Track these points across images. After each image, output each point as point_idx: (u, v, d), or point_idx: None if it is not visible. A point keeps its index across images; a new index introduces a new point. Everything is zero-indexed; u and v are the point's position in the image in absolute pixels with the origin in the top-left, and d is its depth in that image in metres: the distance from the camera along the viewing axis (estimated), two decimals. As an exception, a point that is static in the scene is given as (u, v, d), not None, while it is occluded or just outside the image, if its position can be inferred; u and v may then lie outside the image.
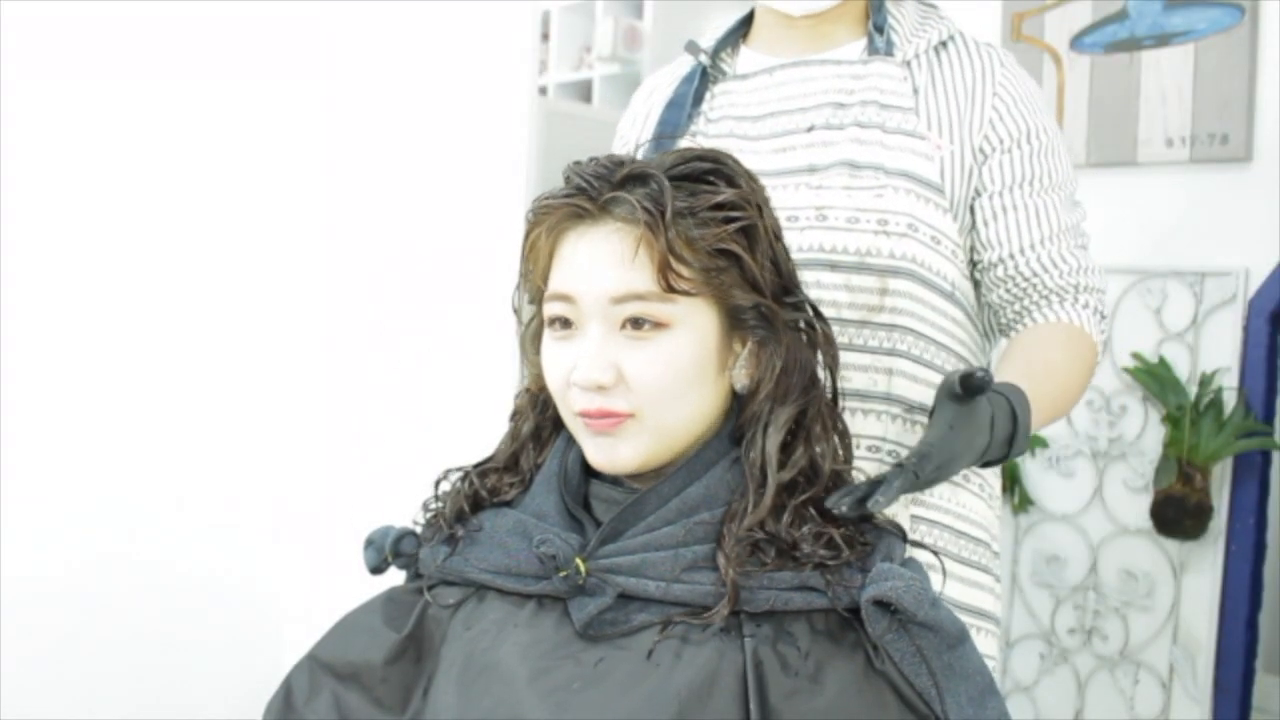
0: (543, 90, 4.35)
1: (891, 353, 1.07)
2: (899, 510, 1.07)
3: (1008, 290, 1.12)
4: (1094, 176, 2.32)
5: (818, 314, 0.90)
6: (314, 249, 2.15)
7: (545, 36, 4.46)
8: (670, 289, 0.81)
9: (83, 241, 1.87)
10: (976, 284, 1.15)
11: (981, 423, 0.88)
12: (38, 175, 1.81)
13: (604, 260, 0.82)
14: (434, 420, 2.03)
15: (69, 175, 1.85)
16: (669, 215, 0.81)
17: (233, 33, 2.02)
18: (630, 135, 1.26)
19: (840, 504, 0.83)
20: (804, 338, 0.88)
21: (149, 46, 1.92)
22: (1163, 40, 2.27)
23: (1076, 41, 2.39)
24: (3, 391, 1.78)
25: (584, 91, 4.50)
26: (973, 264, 1.13)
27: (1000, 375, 1.03)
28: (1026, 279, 1.10)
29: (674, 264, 0.81)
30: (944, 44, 1.13)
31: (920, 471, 0.85)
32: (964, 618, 1.07)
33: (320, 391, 2.17)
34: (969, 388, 0.85)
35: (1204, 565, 2.17)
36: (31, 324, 1.81)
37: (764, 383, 0.85)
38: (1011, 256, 1.10)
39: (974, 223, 1.11)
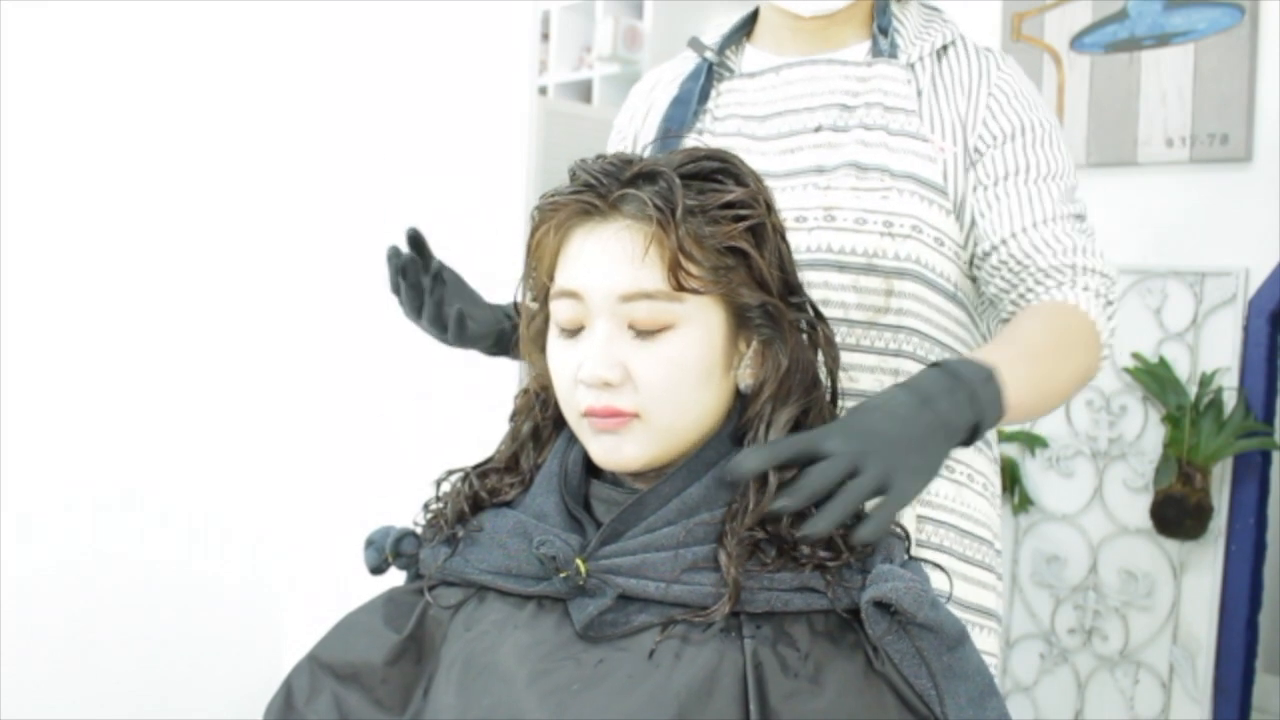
0: (543, 90, 4.34)
1: (898, 354, 1.07)
2: (904, 511, 1.07)
3: (1003, 278, 1.07)
4: (1094, 176, 2.32)
5: (818, 314, 0.90)
6: (314, 249, 2.15)
7: (545, 36, 4.45)
8: (680, 287, 0.81)
9: (92, 241, 1.87)
10: (975, 281, 1.14)
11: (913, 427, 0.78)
12: (37, 177, 1.81)
13: (614, 258, 0.82)
14: (434, 420, 2.03)
15: (70, 179, 1.85)
16: (680, 213, 0.81)
17: (233, 33, 2.02)
18: (629, 131, 1.25)
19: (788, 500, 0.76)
20: (805, 338, 0.88)
21: (149, 47, 1.92)
22: (1163, 40, 2.27)
23: (1076, 41, 2.39)
24: (2, 392, 1.78)
25: (584, 91, 4.50)
26: (970, 259, 1.12)
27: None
28: (1020, 262, 1.05)
29: (684, 262, 0.81)
30: (945, 48, 1.13)
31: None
32: (967, 616, 1.08)
33: (320, 392, 2.17)
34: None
35: (1204, 565, 2.17)
36: (33, 325, 1.81)
37: (768, 382, 0.85)
38: (1004, 242, 1.06)
39: (971, 218, 1.09)
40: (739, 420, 0.87)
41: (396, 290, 1.13)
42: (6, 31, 1.75)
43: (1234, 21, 2.19)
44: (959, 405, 0.81)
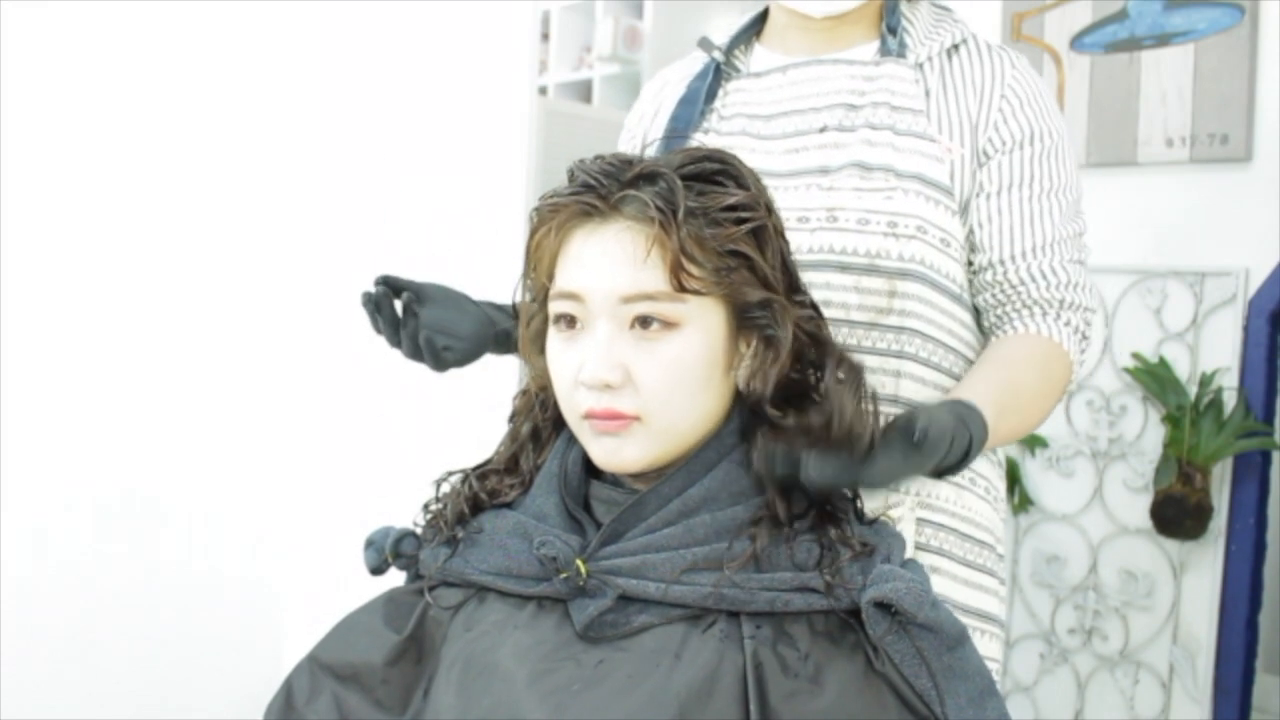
0: (543, 90, 4.34)
1: (900, 355, 1.07)
2: (905, 513, 1.07)
3: (993, 295, 1.10)
4: (1094, 176, 2.32)
5: (818, 313, 0.90)
6: (314, 249, 2.15)
7: (545, 36, 4.45)
8: (682, 288, 0.81)
9: (92, 242, 1.87)
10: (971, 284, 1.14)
11: (935, 456, 0.85)
12: (37, 178, 1.81)
13: (615, 259, 0.82)
14: (434, 420, 2.03)
15: (69, 180, 1.85)
16: (681, 214, 0.80)
17: (233, 33, 2.02)
18: (638, 130, 1.25)
19: (774, 457, 0.82)
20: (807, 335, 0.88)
21: (149, 47, 1.92)
22: (1163, 40, 2.27)
23: (1076, 41, 2.39)
24: (3, 393, 1.78)
25: (584, 91, 4.50)
26: (968, 264, 1.12)
27: (969, 385, 1.01)
28: (1014, 286, 1.09)
29: (686, 264, 0.81)
30: (956, 47, 1.13)
31: (863, 480, 0.83)
32: (968, 620, 1.07)
33: (321, 392, 2.17)
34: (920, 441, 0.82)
35: (1204, 565, 2.17)
36: (34, 323, 1.81)
37: (774, 383, 0.85)
38: (1001, 262, 1.08)
39: (970, 223, 1.09)
40: (751, 421, 0.86)
41: (378, 330, 1.13)
42: (6, 31, 1.75)
43: (1234, 21, 2.19)
44: (939, 462, 0.87)
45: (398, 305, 1.11)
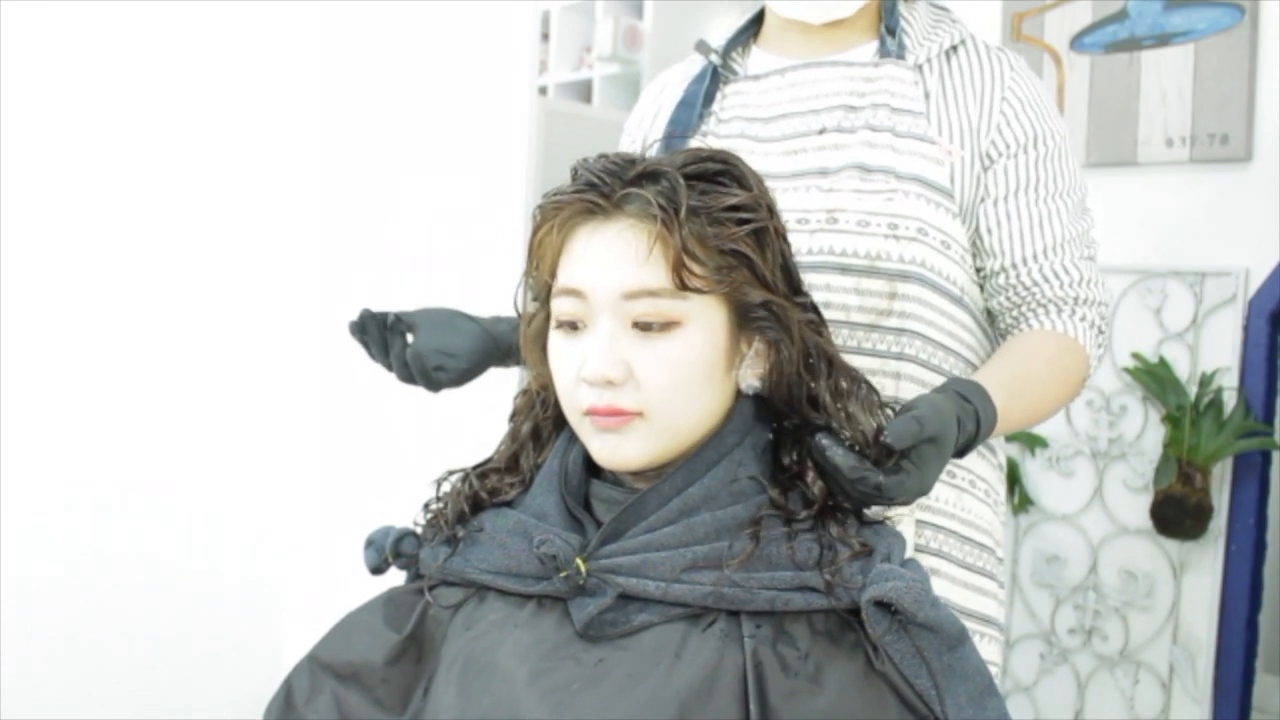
0: (543, 90, 4.34)
1: (900, 357, 1.07)
2: (904, 514, 1.07)
3: (1007, 298, 1.11)
4: (1094, 176, 2.30)
5: (819, 315, 0.90)
6: (314, 249, 2.15)
7: (545, 36, 4.45)
8: (684, 286, 0.81)
9: (92, 241, 1.87)
10: (982, 288, 1.14)
11: (950, 444, 0.87)
12: (37, 177, 1.81)
13: (617, 256, 0.82)
14: (434, 420, 2.03)
15: (70, 179, 1.85)
16: (683, 213, 0.81)
17: (233, 33, 2.02)
18: (638, 133, 1.25)
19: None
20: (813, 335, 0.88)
21: (149, 47, 1.92)
22: (1163, 40, 2.27)
23: (1076, 41, 2.39)
24: (2, 392, 1.78)
25: (584, 91, 4.50)
26: (977, 269, 1.12)
27: (979, 373, 1.02)
28: (1027, 288, 1.09)
29: (688, 262, 0.81)
30: (954, 48, 1.12)
31: (900, 494, 0.84)
32: (966, 623, 1.07)
33: (320, 392, 2.17)
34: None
35: (1204, 565, 2.17)
36: (33, 325, 1.81)
37: (780, 383, 0.86)
38: (1014, 266, 1.09)
39: (977, 228, 1.10)
40: (776, 421, 0.88)
41: (372, 357, 1.14)
42: (6, 31, 1.75)
43: (1234, 21, 2.19)
44: (960, 447, 0.90)
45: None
